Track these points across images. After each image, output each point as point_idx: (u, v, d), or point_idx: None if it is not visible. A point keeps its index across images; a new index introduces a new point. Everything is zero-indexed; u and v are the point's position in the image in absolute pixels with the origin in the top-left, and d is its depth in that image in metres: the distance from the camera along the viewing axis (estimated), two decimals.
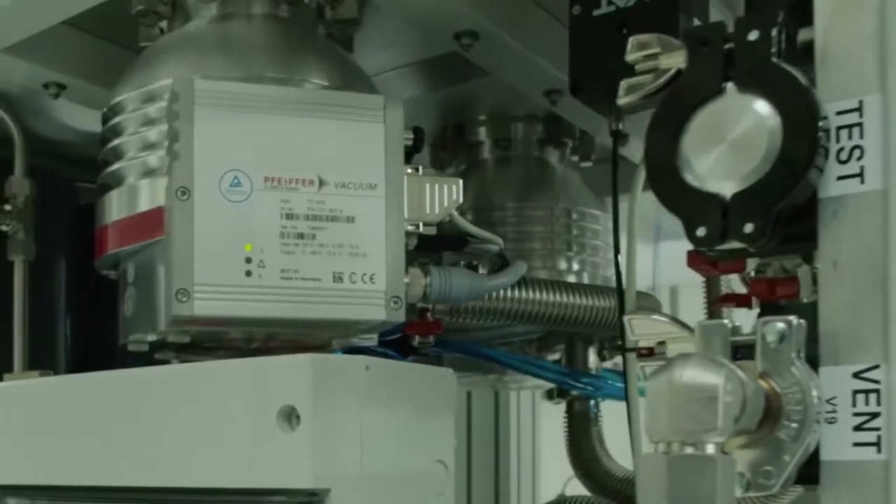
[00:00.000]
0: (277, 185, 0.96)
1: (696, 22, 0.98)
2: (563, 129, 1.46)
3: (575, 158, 1.50)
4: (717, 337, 0.67)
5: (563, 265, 1.41)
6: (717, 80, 0.68)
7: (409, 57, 1.36)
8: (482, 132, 1.49)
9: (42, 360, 1.28)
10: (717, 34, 0.68)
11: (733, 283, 1.33)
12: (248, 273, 0.95)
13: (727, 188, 0.67)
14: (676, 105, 0.69)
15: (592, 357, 1.39)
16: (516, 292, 1.19)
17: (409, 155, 1.02)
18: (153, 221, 0.99)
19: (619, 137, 1.06)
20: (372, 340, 1.09)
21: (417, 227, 1.01)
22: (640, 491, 0.59)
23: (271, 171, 0.96)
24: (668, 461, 0.58)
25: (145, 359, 1.11)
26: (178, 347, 1.08)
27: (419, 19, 1.14)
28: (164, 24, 1.14)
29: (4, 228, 1.24)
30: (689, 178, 0.68)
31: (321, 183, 0.97)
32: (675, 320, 0.68)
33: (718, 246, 0.67)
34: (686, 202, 0.68)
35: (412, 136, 1.02)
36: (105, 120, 1.07)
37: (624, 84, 0.71)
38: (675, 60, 0.69)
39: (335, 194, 0.98)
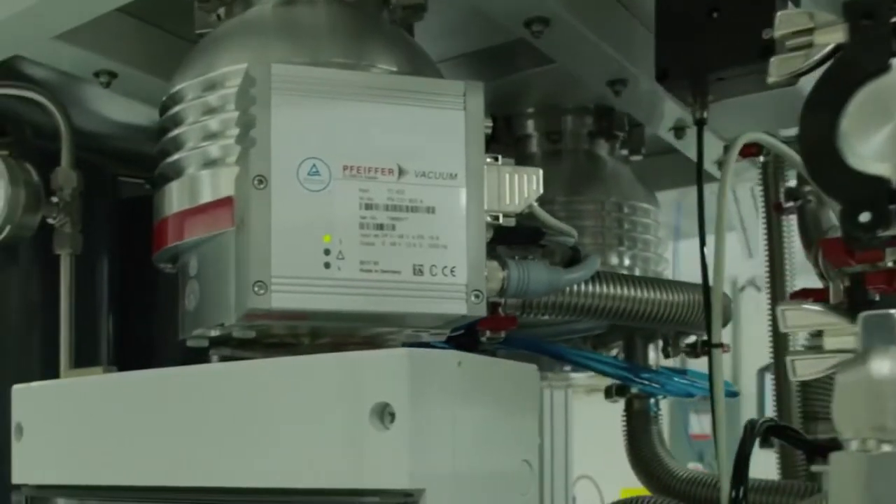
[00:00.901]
0: (356, 173, 0.93)
1: (791, 5, 0.94)
2: (613, 121, 1.43)
3: (624, 152, 1.47)
4: (884, 328, 0.63)
5: (614, 260, 1.38)
6: (884, 55, 0.64)
7: (458, 48, 1.33)
8: (531, 125, 1.46)
9: (86, 358, 1.24)
10: (884, 6, 0.64)
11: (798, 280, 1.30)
12: (327, 265, 0.91)
13: (894, 171, 0.63)
14: (836, 83, 0.65)
15: (652, 354, 1.36)
16: (590, 286, 1.15)
17: (487, 143, 0.99)
18: (219, 212, 0.95)
19: (703, 126, 1.02)
20: (442, 336, 1.06)
21: (497, 218, 0.98)
22: (834, 490, 0.56)
23: (350, 159, 0.92)
24: (868, 460, 0.54)
25: (181, 358, 1.07)
26: (237, 344, 1.04)
27: (491, 4, 1.11)
28: (221, 10, 1.10)
29: (51, 221, 1.19)
30: (851, 161, 0.64)
31: (401, 172, 0.93)
32: (832, 310, 0.65)
33: (884, 232, 0.63)
34: (848, 186, 0.64)
35: (491, 123, 0.98)
36: (164, 109, 1.04)
37: (774, 61, 0.67)
38: (834, 36, 0.65)
39: (415, 184, 0.94)
